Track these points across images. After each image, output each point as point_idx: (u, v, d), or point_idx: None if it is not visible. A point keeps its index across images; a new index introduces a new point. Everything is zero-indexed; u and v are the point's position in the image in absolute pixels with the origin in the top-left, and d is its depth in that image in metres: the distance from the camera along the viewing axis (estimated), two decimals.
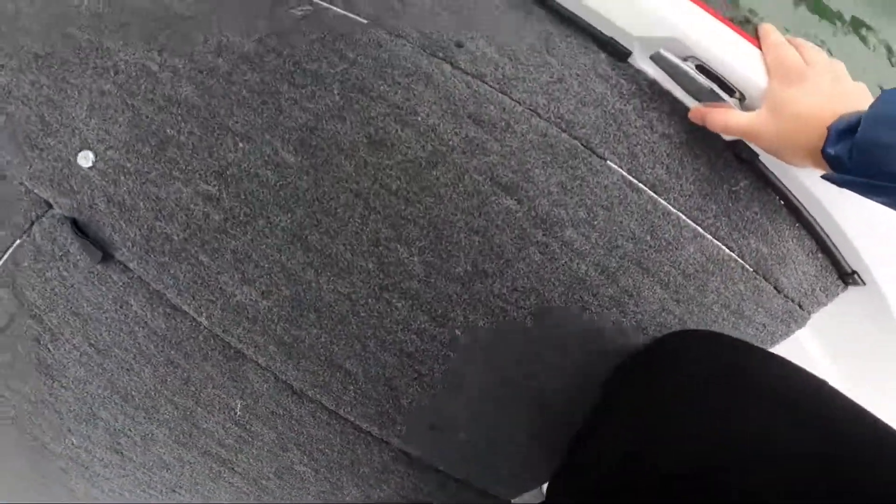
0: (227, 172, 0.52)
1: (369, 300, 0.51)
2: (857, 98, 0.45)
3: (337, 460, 0.55)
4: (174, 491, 0.60)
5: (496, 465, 0.56)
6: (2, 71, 0.58)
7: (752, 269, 0.55)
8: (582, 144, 0.51)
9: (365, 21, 0.53)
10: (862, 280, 0.56)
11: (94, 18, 0.57)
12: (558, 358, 0.53)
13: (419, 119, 0.50)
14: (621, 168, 0.52)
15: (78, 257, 0.55)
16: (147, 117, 0.53)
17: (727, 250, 0.54)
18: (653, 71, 0.52)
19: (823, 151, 0.41)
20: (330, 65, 0.52)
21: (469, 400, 0.53)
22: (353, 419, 0.54)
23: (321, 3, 0.54)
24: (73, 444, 0.59)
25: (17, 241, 0.57)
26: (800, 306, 0.57)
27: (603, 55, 0.53)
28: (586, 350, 0.53)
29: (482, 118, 0.51)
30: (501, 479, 0.57)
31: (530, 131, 0.51)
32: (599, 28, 0.52)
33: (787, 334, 0.58)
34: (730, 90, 0.50)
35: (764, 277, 0.55)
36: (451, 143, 0.50)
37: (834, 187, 0.47)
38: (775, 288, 0.55)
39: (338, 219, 0.50)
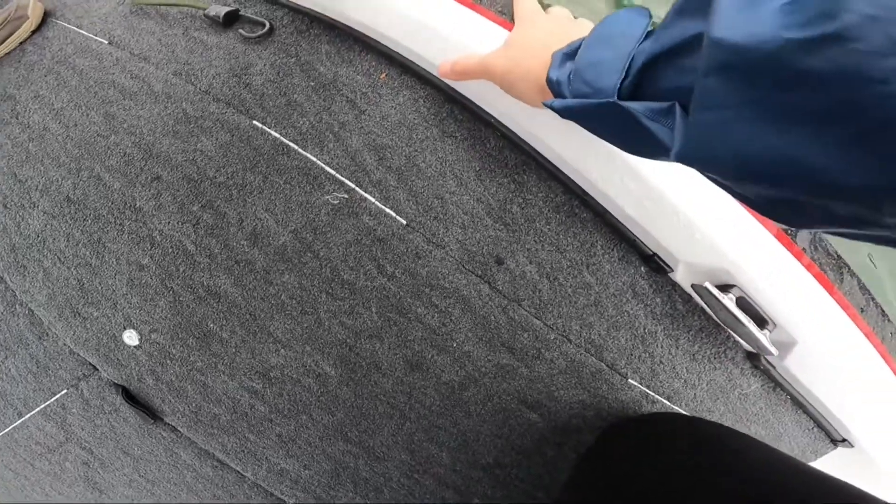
0: (271, 374, 0.54)
1: (402, 479, 0.58)
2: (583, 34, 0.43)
3: None
4: None
5: None
6: (34, 211, 0.57)
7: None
8: (607, 366, 0.54)
9: (404, 222, 0.51)
10: (851, 444, 0.63)
11: (125, 162, 0.54)
12: None
13: (455, 345, 0.52)
14: (641, 384, 0.55)
15: (128, 415, 0.60)
16: (188, 306, 0.54)
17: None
18: (690, 287, 0.53)
19: (548, 77, 0.38)
20: (367, 277, 0.52)
21: None
22: None
23: (358, 190, 0.52)
24: None
25: (64, 391, 0.61)
26: None
27: (643, 269, 0.53)
28: None
29: (515, 346, 0.52)
30: None
31: (560, 357, 0.53)
32: (646, 242, 0.51)
33: None
34: (762, 321, 0.51)
35: None
36: (483, 368, 0.53)
37: (835, 387, 0.51)
38: None
39: (375, 422, 0.55)
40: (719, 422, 0.59)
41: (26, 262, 0.58)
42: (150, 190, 0.53)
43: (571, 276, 0.52)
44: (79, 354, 0.59)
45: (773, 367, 0.56)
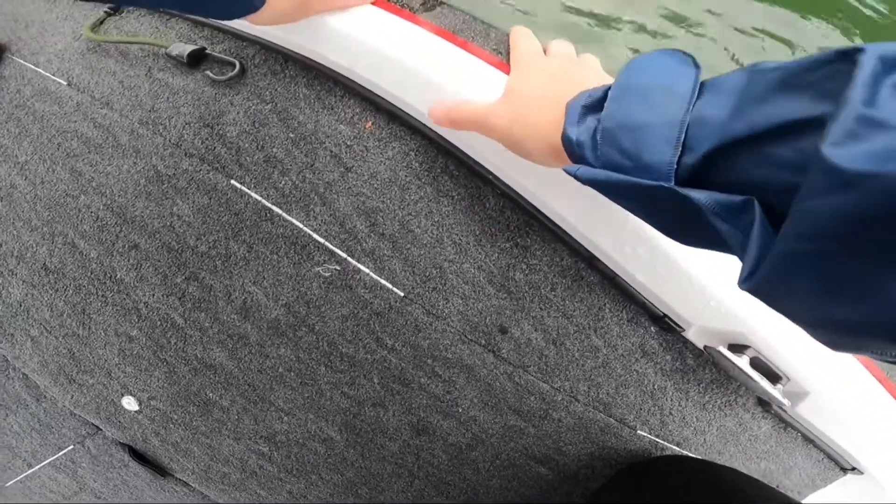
0: (276, 439, 0.54)
1: None
2: (597, 77, 0.37)
3: None
4: None
5: None
6: (13, 279, 0.54)
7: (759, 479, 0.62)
8: (616, 421, 0.53)
9: (402, 294, 0.48)
10: (861, 471, 0.64)
11: (98, 228, 0.51)
12: None
13: (460, 411, 0.51)
14: (650, 434, 0.54)
15: (138, 470, 0.60)
16: (184, 377, 0.53)
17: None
18: (702, 346, 0.51)
19: (563, 136, 0.31)
20: (367, 350, 0.49)
21: None
22: None
23: (350, 261, 0.48)
24: None
25: (71, 447, 0.62)
26: (798, 494, 0.66)
27: (653, 329, 0.50)
28: None
29: (522, 409, 0.51)
30: None
31: (567, 416, 0.52)
32: (656, 305, 0.49)
33: None
34: (776, 377, 0.49)
35: (768, 483, 0.63)
36: (490, 430, 0.52)
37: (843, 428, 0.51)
38: (777, 487, 0.63)
39: (384, 481, 0.55)
40: (729, 464, 0.59)
41: (13, 331, 0.56)
42: (129, 259, 0.50)
43: (579, 340, 0.50)
44: (80, 416, 0.58)
45: (785, 411, 0.55)
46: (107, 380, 0.55)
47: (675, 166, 0.24)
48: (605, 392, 0.51)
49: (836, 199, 0.18)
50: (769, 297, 0.23)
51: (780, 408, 0.54)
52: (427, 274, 0.48)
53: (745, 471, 0.59)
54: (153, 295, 0.51)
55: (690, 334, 0.50)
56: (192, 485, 0.60)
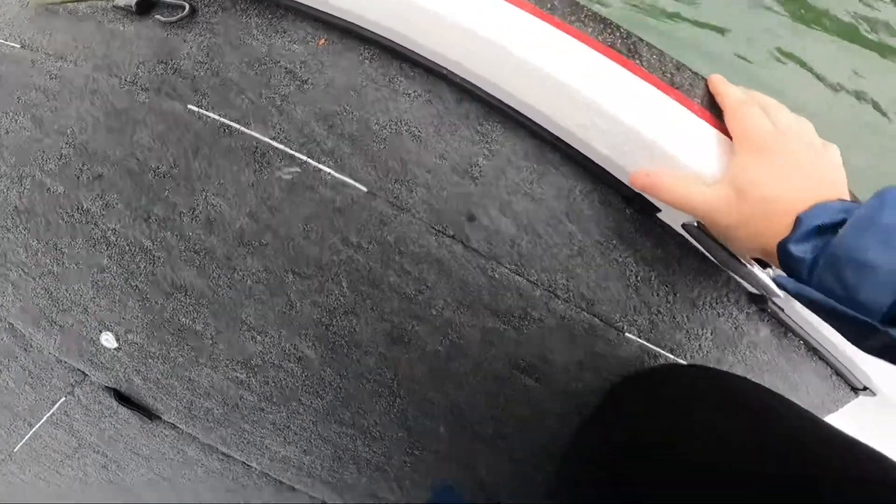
0: (252, 362, 0.53)
1: (402, 457, 0.56)
2: (834, 178, 0.36)
3: None
4: None
5: None
6: None
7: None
8: (601, 321, 0.50)
9: (364, 189, 0.48)
10: (873, 392, 0.59)
11: (63, 164, 0.52)
12: None
13: (434, 313, 0.49)
14: (639, 338, 0.51)
15: (128, 416, 0.60)
16: (157, 304, 0.53)
17: None
18: (680, 228, 0.48)
19: (783, 246, 0.32)
20: (333, 251, 0.49)
21: None
22: None
23: (311, 162, 0.49)
24: None
25: (63, 399, 0.61)
26: None
27: (629, 211, 0.48)
28: None
29: (498, 308, 0.49)
30: None
31: (549, 316, 0.49)
32: (627, 184, 0.47)
33: None
34: (763, 261, 0.46)
35: None
36: (468, 335, 0.50)
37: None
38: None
39: (365, 402, 0.53)
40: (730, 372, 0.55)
41: None
42: (94, 190, 0.51)
43: (551, 226, 0.48)
44: (66, 362, 0.58)
45: (782, 310, 0.51)
46: (84, 316, 0.55)
47: (887, 310, 0.26)
48: (584, 285, 0.49)
49: None
50: None
51: (776, 304, 0.51)
52: (388, 167, 0.47)
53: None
54: (119, 220, 0.51)
55: (665, 215, 0.47)
56: (180, 426, 0.59)
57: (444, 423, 0.54)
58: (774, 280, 0.36)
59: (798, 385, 0.57)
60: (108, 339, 0.56)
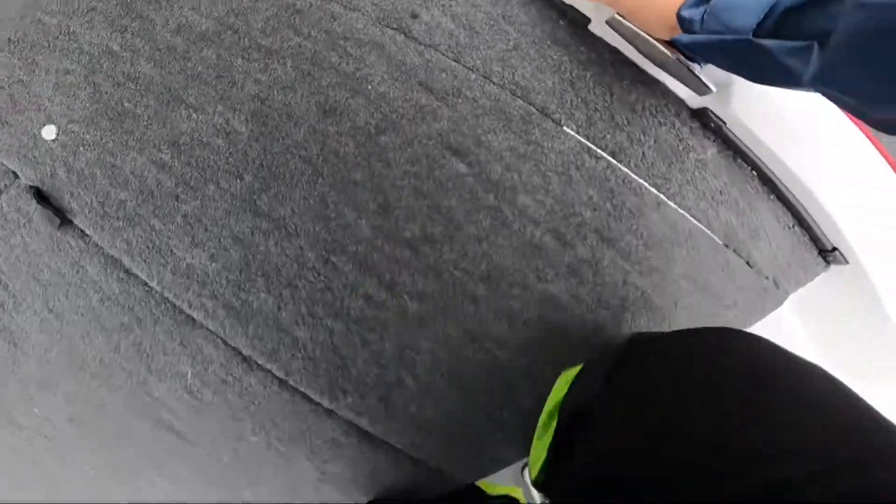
0: (180, 141, 0.52)
1: (317, 264, 0.50)
2: None
3: (288, 431, 0.54)
4: (135, 470, 0.60)
5: (452, 444, 0.54)
6: None
7: (721, 242, 0.52)
8: (537, 110, 0.50)
9: None
10: (844, 258, 0.53)
11: (64, 4, 0.58)
12: (511, 330, 0.51)
13: (370, 88, 0.50)
14: (578, 134, 0.50)
15: (40, 224, 0.55)
16: (106, 93, 0.54)
17: (694, 220, 0.51)
18: (612, 39, 0.51)
19: (679, 14, 0.40)
20: (284, 39, 0.52)
21: (420, 373, 0.52)
22: (302, 389, 0.52)
23: None
24: (36, 414, 0.60)
25: None
26: (775, 283, 0.54)
27: (562, 22, 0.52)
28: (543, 323, 0.51)
29: (433, 86, 0.50)
30: (457, 460, 0.55)
31: (483, 97, 0.50)
32: None
33: (762, 313, 0.54)
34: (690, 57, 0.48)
35: (734, 251, 0.52)
36: (400, 110, 0.49)
37: (808, 159, 0.45)
38: (747, 263, 0.53)
39: (286, 183, 0.50)
40: (681, 200, 0.51)
41: None
42: (84, 17, 0.57)
43: (488, 25, 0.51)
44: (2, 164, 0.57)
45: (724, 125, 0.50)
46: (35, 113, 0.56)
47: (755, 27, 0.35)
48: (520, 75, 0.50)
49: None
50: (831, 84, 0.33)
51: (717, 118, 0.50)
52: None
53: (704, 220, 0.51)
54: (98, 35, 0.56)
55: (595, 27, 0.51)
56: (88, 231, 0.54)
57: (366, 214, 0.49)
58: (673, 40, 0.42)
59: (758, 232, 0.52)
60: (48, 132, 0.56)
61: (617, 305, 0.51)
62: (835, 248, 0.53)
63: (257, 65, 0.52)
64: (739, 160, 0.51)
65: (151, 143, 0.52)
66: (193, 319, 0.52)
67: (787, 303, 0.56)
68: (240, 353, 0.52)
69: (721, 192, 0.51)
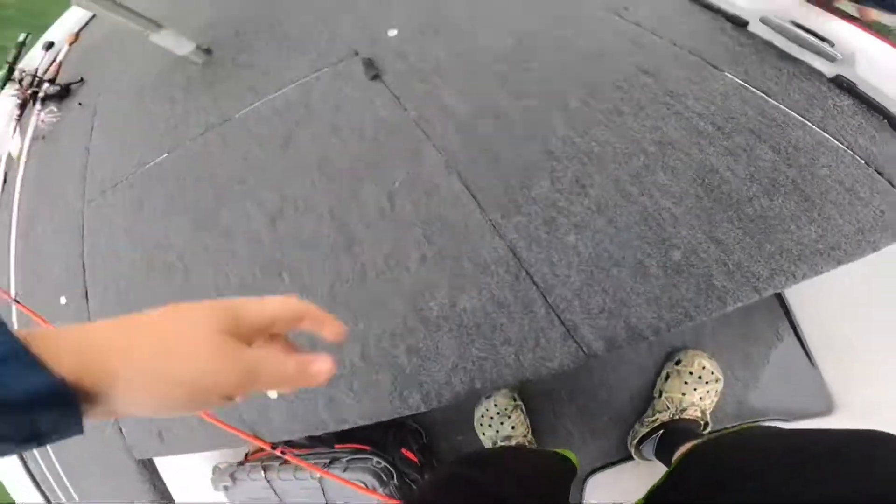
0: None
1: (532, 114, 0.72)
2: None
3: (448, 247, 0.68)
4: (300, 263, 0.78)
5: (592, 287, 0.62)
6: None
7: (863, 161, 0.63)
8: (705, 60, 0.72)
9: None
10: None
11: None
12: (673, 180, 0.64)
13: None
14: (737, 77, 0.70)
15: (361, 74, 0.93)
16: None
17: (836, 141, 0.64)
18: (765, 34, 0.74)
19: None
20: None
21: (588, 205, 0.65)
22: (480, 200, 0.68)
23: None
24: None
25: (326, 69, 0.99)
26: None
27: (728, 25, 0.77)
28: (701, 184, 0.63)
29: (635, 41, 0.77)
30: (592, 313, 0.61)
31: (666, 51, 0.74)
32: (725, 8, 0.78)
33: None
34: (821, 38, 0.68)
35: (877, 171, 0.62)
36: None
37: None
38: (890, 183, 0.61)
39: None
40: (823, 126, 0.65)
41: None
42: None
43: (675, 22, 0.79)
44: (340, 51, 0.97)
45: (856, 85, 0.67)
46: (385, 20, 0.99)
47: None
48: (692, 45, 0.75)
49: None
50: None
51: (849, 80, 0.67)
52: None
53: (845, 142, 0.66)
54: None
55: (753, 27, 0.75)
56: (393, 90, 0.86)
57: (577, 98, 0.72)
58: None
59: (894, 159, 0.62)
60: (392, 32, 0.96)
61: (768, 183, 0.62)
62: None
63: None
64: (872, 111, 0.66)
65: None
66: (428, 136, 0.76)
67: None
68: (455, 168, 0.73)
69: (857, 128, 0.65)
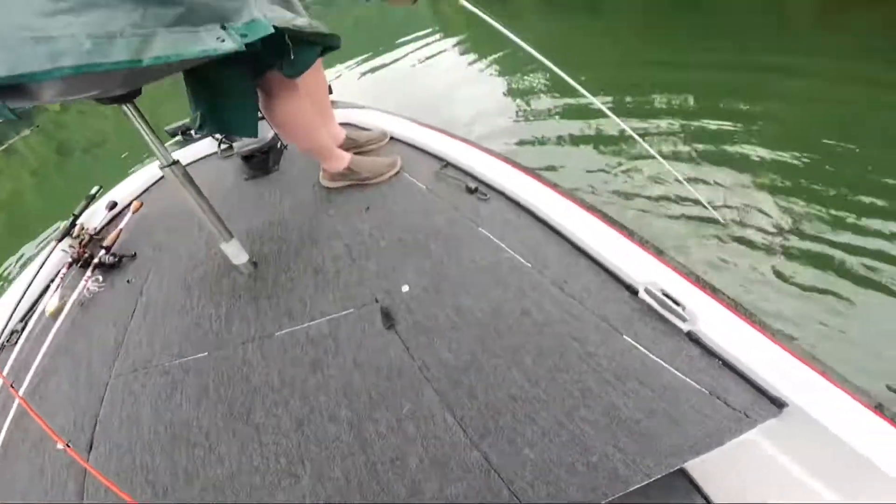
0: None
1: (500, 369, 1.11)
2: None
3: (439, 455, 0.96)
4: (320, 457, 1.00)
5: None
6: None
7: (707, 392, 0.97)
8: (612, 327, 1.14)
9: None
10: (786, 403, 0.90)
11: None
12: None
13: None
14: (629, 339, 1.12)
15: (377, 323, 1.26)
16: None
17: (691, 381, 1.00)
18: (648, 299, 1.17)
19: None
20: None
21: (536, 430, 1.00)
22: (464, 427, 1.01)
23: None
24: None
25: (351, 310, 1.31)
26: (745, 415, 0.93)
27: (626, 293, 1.21)
28: (608, 415, 1.01)
29: (568, 311, 1.20)
30: None
31: (588, 319, 1.17)
32: (623, 278, 1.23)
33: (738, 433, 0.91)
34: (676, 302, 1.11)
35: (717, 398, 0.95)
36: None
37: None
38: (725, 404, 0.95)
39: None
40: (682, 372, 1.06)
41: None
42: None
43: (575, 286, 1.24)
44: (364, 296, 1.33)
45: (700, 338, 1.07)
46: (399, 276, 1.36)
47: None
48: (594, 304, 1.18)
49: None
50: None
51: (697, 335, 1.10)
52: None
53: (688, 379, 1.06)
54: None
55: (641, 293, 1.20)
56: (405, 339, 1.22)
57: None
58: None
59: (728, 390, 1.01)
60: (405, 288, 1.32)
61: (649, 411, 0.96)
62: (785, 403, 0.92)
63: None
64: (713, 357, 1.05)
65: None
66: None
67: None
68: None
69: (705, 369, 1.03)
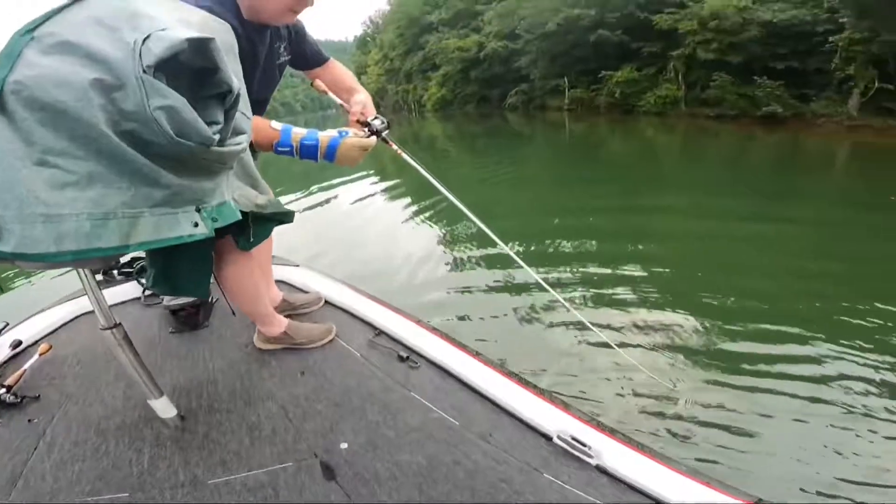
0: None
1: None
2: None
3: None
4: None
5: None
6: None
7: None
8: (536, 470, 1.28)
9: None
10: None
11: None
12: None
13: None
14: (550, 476, 1.26)
15: (318, 480, 1.29)
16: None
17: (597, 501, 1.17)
18: (563, 445, 1.34)
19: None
20: None
21: None
22: None
23: None
24: None
25: (291, 463, 1.33)
26: None
27: (543, 440, 1.38)
28: None
29: (496, 458, 1.33)
30: None
31: (515, 465, 1.31)
32: (536, 426, 1.40)
33: None
34: (583, 444, 1.30)
35: None
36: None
37: None
38: None
39: None
40: (595, 498, 1.20)
41: None
42: None
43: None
44: (303, 451, 1.36)
45: (606, 469, 1.25)
46: (332, 434, 1.42)
47: None
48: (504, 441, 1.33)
49: None
50: None
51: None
52: None
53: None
54: None
55: (554, 440, 1.37)
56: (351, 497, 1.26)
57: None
58: None
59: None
60: (343, 445, 1.38)
61: None
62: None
63: None
64: (618, 483, 1.23)
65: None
66: None
67: None
68: None
69: (613, 495, 1.20)
